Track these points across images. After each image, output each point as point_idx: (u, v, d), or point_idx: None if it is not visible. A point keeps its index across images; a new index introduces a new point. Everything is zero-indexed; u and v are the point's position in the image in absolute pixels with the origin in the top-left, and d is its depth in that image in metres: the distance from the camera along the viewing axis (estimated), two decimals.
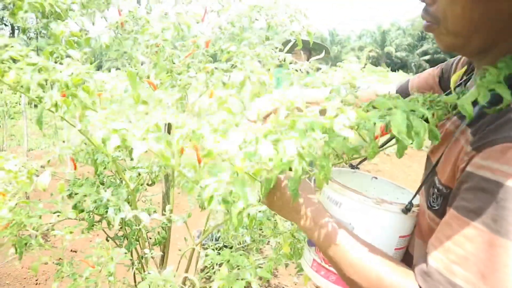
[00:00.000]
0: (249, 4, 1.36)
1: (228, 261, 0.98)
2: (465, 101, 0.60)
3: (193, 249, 1.14)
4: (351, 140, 0.67)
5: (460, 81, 0.79)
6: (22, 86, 0.70)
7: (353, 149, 0.75)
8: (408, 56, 42.11)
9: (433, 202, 0.68)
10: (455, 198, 0.57)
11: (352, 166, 0.96)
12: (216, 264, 1.13)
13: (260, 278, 1.02)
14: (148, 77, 1.25)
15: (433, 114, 0.64)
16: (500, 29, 0.60)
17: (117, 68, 1.10)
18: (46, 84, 0.72)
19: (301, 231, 1.10)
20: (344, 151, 0.64)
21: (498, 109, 0.56)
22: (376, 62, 40.75)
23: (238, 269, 0.92)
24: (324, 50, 3.31)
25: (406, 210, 0.73)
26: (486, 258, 0.50)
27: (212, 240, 2.38)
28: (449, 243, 0.54)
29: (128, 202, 1.18)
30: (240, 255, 1.01)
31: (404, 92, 1.07)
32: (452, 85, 0.67)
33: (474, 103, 0.62)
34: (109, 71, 1.09)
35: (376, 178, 0.97)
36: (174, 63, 1.22)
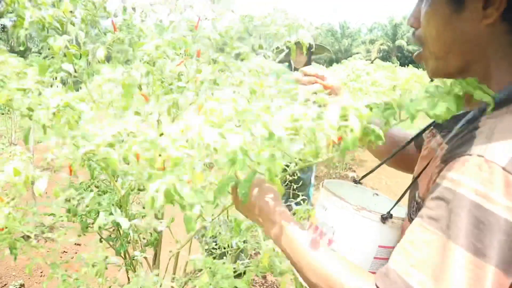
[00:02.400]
0: (240, 14, 1.40)
1: (210, 268, 1.03)
2: (410, 105, 0.61)
3: (178, 252, 1.20)
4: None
5: None
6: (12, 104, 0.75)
7: (299, 153, 0.76)
8: (419, 49, 41.56)
9: (412, 214, 0.73)
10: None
11: (355, 181, 0.99)
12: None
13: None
14: (141, 88, 1.29)
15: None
16: (468, 50, 0.66)
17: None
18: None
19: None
20: (288, 154, 0.65)
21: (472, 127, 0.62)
22: (387, 56, 40.32)
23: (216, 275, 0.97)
24: (325, 52, 3.33)
25: (383, 219, 0.77)
26: (439, 261, 0.54)
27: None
28: (409, 247, 0.59)
29: (120, 206, 1.24)
30: (223, 263, 1.06)
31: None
32: None
33: (456, 119, 0.68)
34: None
35: (377, 194, 0.99)
36: (163, 73, 1.27)
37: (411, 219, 0.72)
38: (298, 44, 3.46)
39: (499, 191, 0.52)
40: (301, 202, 1.45)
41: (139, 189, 1.31)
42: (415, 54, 0.76)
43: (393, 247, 0.79)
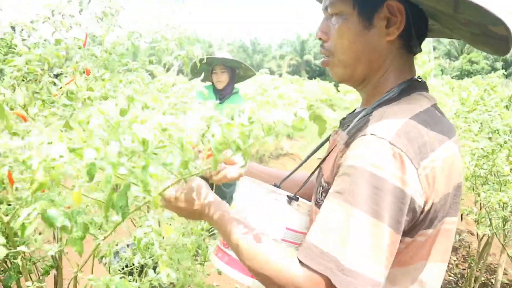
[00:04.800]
0: (128, 30, 1.40)
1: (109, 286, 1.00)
2: None
3: (76, 276, 1.15)
4: None
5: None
6: None
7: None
8: (325, 57, 44.26)
9: (319, 198, 0.81)
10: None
11: (274, 185, 1.00)
12: None
13: None
14: (25, 108, 1.23)
15: None
16: (373, 60, 0.78)
17: None
18: None
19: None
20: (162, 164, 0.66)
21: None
22: (297, 70, 42.43)
23: None
24: (250, 73, 3.38)
25: (290, 200, 0.85)
26: (345, 226, 0.64)
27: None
28: (321, 220, 0.68)
29: (7, 236, 1.16)
30: (123, 277, 1.04)
31: None
32: None
33: (355, 115, 0.81)
34: None
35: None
36: (50, 92, 1.22)
37: (317, 203, 0.81)
38: (218, 64, 3.47)
39: (388, 161, 0.63)
40: None
41: None
42: (322, 60, 0.85)
43: (301, 232, 0.86)
